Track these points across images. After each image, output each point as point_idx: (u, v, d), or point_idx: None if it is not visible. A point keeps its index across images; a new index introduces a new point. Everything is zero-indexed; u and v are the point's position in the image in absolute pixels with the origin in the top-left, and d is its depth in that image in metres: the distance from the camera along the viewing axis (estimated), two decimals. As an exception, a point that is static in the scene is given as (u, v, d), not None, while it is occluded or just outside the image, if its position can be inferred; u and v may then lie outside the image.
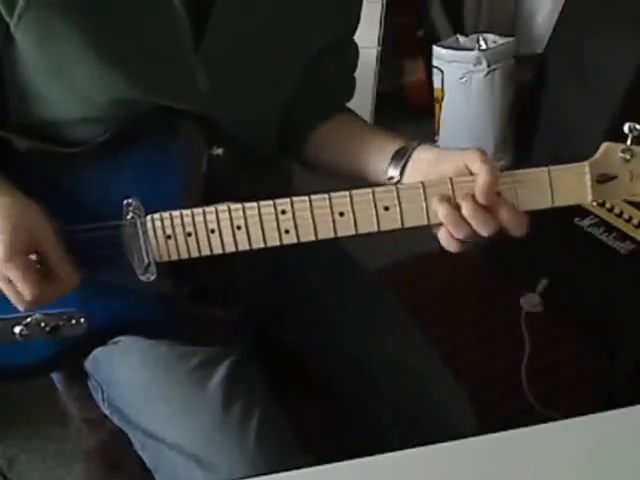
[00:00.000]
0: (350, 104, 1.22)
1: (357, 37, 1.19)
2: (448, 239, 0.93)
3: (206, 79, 1.01)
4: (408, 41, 3.29)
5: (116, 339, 1.08)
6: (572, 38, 2.57)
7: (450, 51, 2.96)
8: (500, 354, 1.63)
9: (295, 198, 0.95)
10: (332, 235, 0.96)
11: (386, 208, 0.94)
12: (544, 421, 0.88)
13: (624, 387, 1.60)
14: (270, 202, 0.95)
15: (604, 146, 0.92)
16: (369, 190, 0.94)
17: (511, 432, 0.87)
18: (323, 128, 1.13)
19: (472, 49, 2.95)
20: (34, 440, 1.91)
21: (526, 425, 0.87)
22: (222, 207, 0.96)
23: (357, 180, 1.06)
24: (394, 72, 3.26)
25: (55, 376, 1.24)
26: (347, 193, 0.94)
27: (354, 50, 1.20)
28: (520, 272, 1.77)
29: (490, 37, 3.02)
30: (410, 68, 3.30)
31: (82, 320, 1.03)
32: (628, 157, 0.91)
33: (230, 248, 0.98)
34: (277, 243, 0.97)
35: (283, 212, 0.95)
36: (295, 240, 0.96)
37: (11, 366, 1.07)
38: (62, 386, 1.24)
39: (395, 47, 3.27)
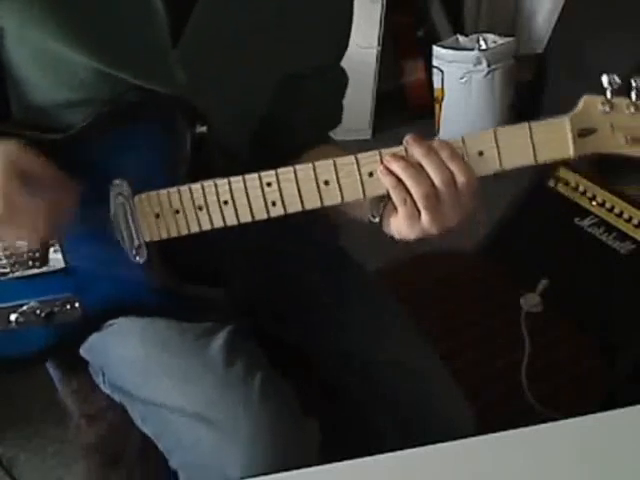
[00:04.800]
0: (350, 104, 1.22)
1: (357, 37, 1.19)
2: (404, 211, 0.93)
3: (184, 74, 1.02)
4: (408, 41, 3.29)
5: (111, 322, 1.08)
6: (572, 38, 2.58)
7: (450, 51, 2.96)
8: (500, 354, 1.63)
9: (280, 169, 0.96)
10: (318, 204, 0.96)
11: (370, 174, 0.95)
12: (544, 421, 0.88)
13: (624, 387, 1.60)
14: (255, 175, 0.96)
15: (583, 100, 0.92)
16: (352, 157, 0.95)
17: (511, 432, 0.87)
18: (306, 158, 1.13)
19: (472, 49, 2.96)
20: (34, 440, 1.91)
21: (526, 425, 0.87)
22: (208, 183, 0.97)
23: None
24: (394, 72, 3.27)
25: (53, 371, 1.24)
26: (331, 161, 0.95)
27: (342, 77, 1.20)
28: (520, 272, 1.77)
29: (490, 37, 3.02)
30: (410, 68, 3.30)
31: (77, 305, 1.04)
32: (608, 109, 0.91)
33: (218, 223, 0.99)
34: (265, 216, 0.97)
35: (269, 184, 0.96)
36: (282, 211, 0.97)
37: (8, 355, 1.08)
38: (60, 381, 1.24)
39: (395, 47, 3.27)
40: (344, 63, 1.19)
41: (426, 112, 3.15)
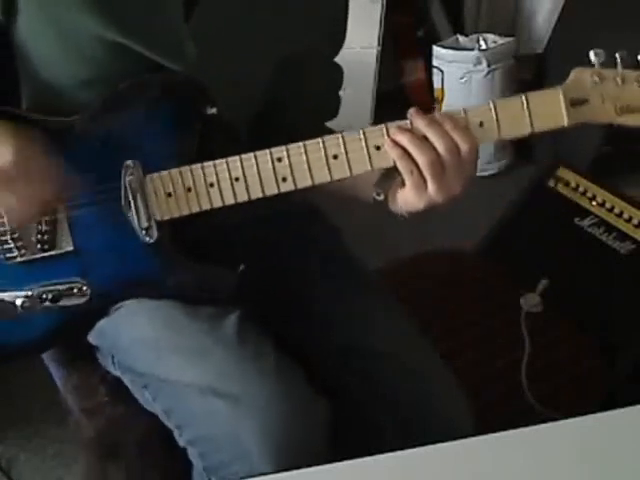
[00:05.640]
0: (350, 104, 1.23)
1: (357, 37, 1.20)
2: (412, 181, 0.97)
3: (194, 50, 1.03)
4: (408, 41, 3.29)
5: (118, 305, 1.08)
6: (572, 38, 2.57)
7: (450, 51, 2.96)
8: (500, 354, 1.63)
9: (290, 145, 0.98)
10: (328, 179, 0.99)
11: (377, 147, 0.98)
12: (544, 421, 0.88)
13: (624, 387, 1.60)
14: (266, 151, 0.98)
15: (574, 72, 0.98)
16: (360, 131, 0.98)
17: (511, 432, 0.87)
18: None
19: (472, 49, 2.96)
20: (34, 440, 1.91)
21: (526, 425, 0.87)
22: (220, 161, 1.00)
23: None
24: (394, 72, 3.26)
25: (54, 367, 1.24)
26: (339, 136, 0.98)
27: (337, 70, 1.22)
28: (520, 272, 1.77)
29: (490, 37, 3.02)
30: (410, 68, 3.29)
31: (85, 289, 1.04)
32: (597, 80, 0.96)
33: (229, 200, 1.00)
34: (275, 191, 1.00)
35: (279, 160, 0.98)
36: (292, 187, 0.99)
37: (13, 341, 1.08)
38: (61, 376, 1.24)
39: (395, 47, 3.27)
40: (345, 62, 1.20)
41: (426, 112, 3.14)
